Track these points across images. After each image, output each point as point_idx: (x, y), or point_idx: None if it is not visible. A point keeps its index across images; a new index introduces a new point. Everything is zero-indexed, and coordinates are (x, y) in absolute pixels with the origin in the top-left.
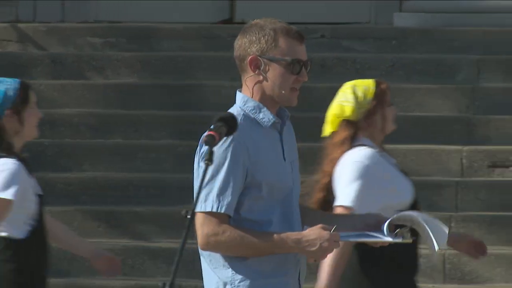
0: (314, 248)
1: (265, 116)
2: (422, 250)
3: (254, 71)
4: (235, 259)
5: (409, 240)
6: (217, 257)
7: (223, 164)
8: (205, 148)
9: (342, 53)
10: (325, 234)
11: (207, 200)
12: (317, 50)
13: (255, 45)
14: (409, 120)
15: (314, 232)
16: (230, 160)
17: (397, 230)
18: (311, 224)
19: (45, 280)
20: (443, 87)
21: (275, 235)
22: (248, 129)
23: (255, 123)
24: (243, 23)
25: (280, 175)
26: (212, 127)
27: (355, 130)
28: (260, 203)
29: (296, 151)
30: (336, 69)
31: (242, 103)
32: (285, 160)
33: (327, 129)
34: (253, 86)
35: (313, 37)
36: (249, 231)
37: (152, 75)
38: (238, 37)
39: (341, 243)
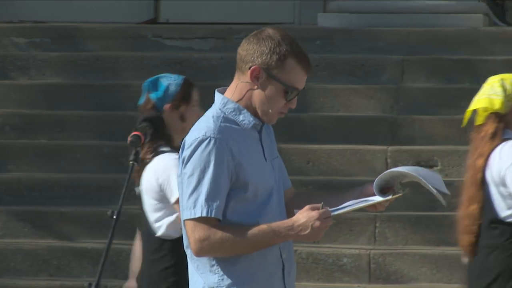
0: (307, 231)
1: (245, 118)
2: (347, 250)
3: (252, 80)
4: (223, 264)
5: (399, 194)
6: (204, 262)
7: (208, 167)
8: (186, 152)
9: None
10: (314, 213)
11: (196, 206)
12: None
13: (263, 57)
14: (334, 120)
15: (303, 215)
16: (215, 163)
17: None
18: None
19: None
20: (367, 88)
21: (266, 227)
22: (229, 130)
23: (235, 124)
24: (167, 23)
25: (263, 175)
26: (137, 127)
27: (504, 123)
28: (244, 205)
29: (275, 149)
30: None
31: (222, 104)
32: (266, 159)
33: (477, 120)
34: (245, 92)
35: (237, 38)
36: (240, 228)
37: (77, 75)
38: (251, 39)
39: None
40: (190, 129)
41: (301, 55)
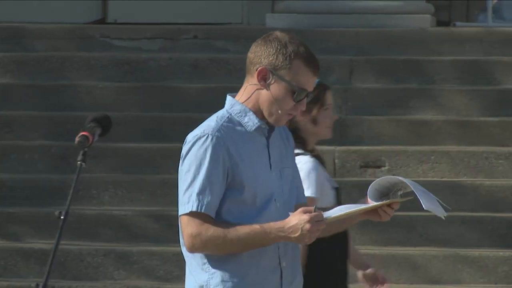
0: (298, 233)
1: (250, 120)
2: None
3: (259, 81)
4: (214, 263)
5: (395, 200)
6: (197, 260)
7: (203, 164)
8: (184, 149)
9: (215, 54)
10: (305, 216)
11: (189, 202)
12: (190, 51)
13: (270, 58)
14: None
15: (295, 218)
16: (210, 160)
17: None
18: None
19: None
20: None
21: (258, 227)
22: (231, 130)
23: (240, 126)
24: (115, 23)
25: (262, 180)
26: (85, 127)
27: None
28: (241, 207)
29: (290, 159)
30: (209, 70)
31: (230, 106)
32: (271, 166)
33: None
34: (252, 93)
35: (186, 38)
36: (233, 226)
37: (25, 76)
38: (259, 41)
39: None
40: (322, 132)
41: (309, 56)
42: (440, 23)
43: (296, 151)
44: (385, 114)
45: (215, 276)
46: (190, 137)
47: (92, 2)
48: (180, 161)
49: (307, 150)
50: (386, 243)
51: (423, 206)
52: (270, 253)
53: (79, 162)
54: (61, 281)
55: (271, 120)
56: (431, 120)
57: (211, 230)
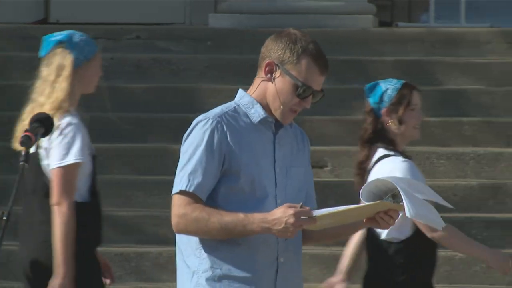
0: (281, 226)
1: (256, 112)
2: None
3: (265, 74)
4: (206, 248)
5: (387, 203)
6: (192, 245)
7: (199, 145)
8: (186, 132)
9: (158, 54)
10: (290, 210)
11: (180, 182)
12: (132, 51)
13: (278, 52)
14: None
15: (280, 210)
16: (207, 142)
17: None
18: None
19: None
20: None
21: (242, 215)
22: (234, 119)
23: (246, 116)
24: (58, 23)
25: (260, 171)
26: (28, 127)
27: None
28: (239, 196)
29: (302, 160)
30: (151, 70)
31: (239, 97)
32: (275, 161)
33: None
34: (261, 88)
35: (128, 38)
36: (219, 212)
37: None
38: (272, 37)
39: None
40: (409, 133)
41: (318, 54)
42: (382, 24)
43: (386, 152)
44: (328, 114)
45: (205, 262)
46: (194, 121)
47: (34, 2)
48: (182, 143)
49: (398, 151)
50: (328, 244)
51: (407, 213)
52: (268, 247)
53: (21, 163)
54: (4, 282)
55: (276, 115)
56: None
57: (197, 212)
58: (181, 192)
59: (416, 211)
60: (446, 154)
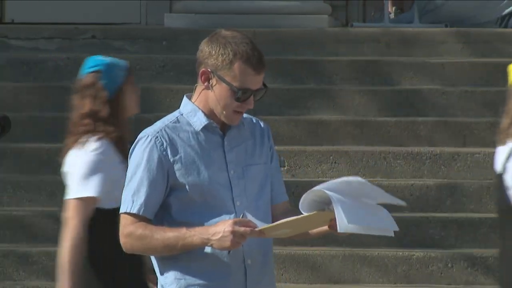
0: (218, 236)
1: (198, 120)
2: None
3: (203, 83)
4: (167, 261)
5: (323, 211)
6: (154, 261)
7: (140, 164)
8: (130, 149)
9: (113, 53)
10: (229, 221)
11: (124, 202)
12: (87, 51)
13: (212, 59)
14: None
15: (221, 223)
16: (147, 161)
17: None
18: None
19: None
20: None
21: (185, 229)
22: (176, 131)
23: (188, 125)
24: (13, 23)
25: (209, 180)
26: None
27: None
28: (191, 206)
29: (260, 156)
30: None
31: (183, 106)
32: (227, 165)
33: None
34: (200, 93)
35: (83, 38)
36: (163, 227)
37: None
38: (206, 41)
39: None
40: None
41: (248, 54)
42: (337, 24)
43: None
44: (283, 114)
45: (169, 275)
46: (137, 137)
47: None
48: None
49: None
50: (285, 243)
51: (338, 229)
52: (232, 250)
53: None
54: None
55: (222, 119)
56: (330, 120)
57: (140, 230)
58: (126, 214)
59: (348, 225)
60: (402, 154)
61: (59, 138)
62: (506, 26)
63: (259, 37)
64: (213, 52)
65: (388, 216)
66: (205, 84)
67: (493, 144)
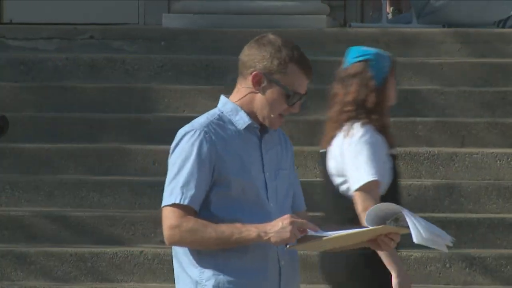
0: (277, 228)
1: (241, 119)
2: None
3: (254, 86)
4: (205, 256)
5: (390, 227)
6: (189, 256)
7: (189, 157)
8: (173, 144)
9: (112, 54)
10: (287, 216)
11: (172, 194)
12: (86, 51)
13: (264, 62)
14: (179, 121)
15: (278, 219)
16: (196, 154)
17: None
18: None
19: None
20: (212, 88)
21: (239, 224)
22: (220, 127)
23: (231, 124)
24: (11, 23)
25: (250, 177)
26: None
27: None
28: (231, 202)
29: (287, 162)
30: (105, 70)
31: (222, 105)
32: (263, 166)
33: None
34: (246, 95)
35: (82, 38)
36: (214, 222)
37: None
38: (252, 45)
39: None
40: None
41: (302, 60)
42: (335, 24)
43: None
44: None
45: (206, 270)
46: (180, 132)
47: None
48: (169, 155)
49: None
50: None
51: (414, 239)
52: (270, 248)
53: None
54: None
55: (265, 122)
56: None
57: (191, 223)
58: (174, 205)
59: (423, 236)
60: (400, 154)
61: (58, 138)
62: (504, 28)
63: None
64: (267, 55)
65: (441, 232)
66: (256, 87)
67: (492, 145)
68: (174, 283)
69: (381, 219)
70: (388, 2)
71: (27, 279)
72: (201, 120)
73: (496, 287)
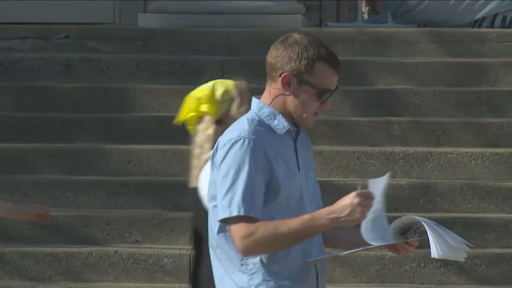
0: (347, 211)
1: (280, 123)
2: (168, 250)
3: (283, 87)
4: (252, 263)
5: (414, 239)
6: (234, 262)
7: (243, 167)
8: (220, 153)
9: (87, 53)
10: (352, 193)
11: (231, 206)
12: (62, 51)
13: (292, 63)
14: (155, 120)
15: (342, 199)
16: (250, 163)
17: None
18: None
19: None
20: (188, 88)
21: (307, 216)
22: (263, 134)
23: (270, 129)
24: None
25: (295, 182)
26: None
27: None
28: (275, 209)
29: (312, 160)
30: (81, 70)
31: (258, 109)
32: (299, 168)
33: None
34: (276, 97)
35: (57, 38)
36: (280, 220)
37: None
38: (278, 46)
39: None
40: None
41: (330, 56)
42: (311, 24)
43: None
44: None
45: (256, 276)
46: (225, 141)
47: None
48: (215, 166)
49: None
50: None
51: (432, 254)
52: (307, 252)
53: None
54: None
55: (299, 122)
56: None
57: (261, 228)
58: (238, 217)
59: (441, 251)
60: (375, 154)
61: (33, 138)
62: (479, 28)
63: (233, 37)
64: (294, 56)
65: (460, 243)
66: (286, 88)
67: (467, 144)
68: (149, 283)
69: (402, 231)
70: (363, 2)
71: (2, 279)
72: (245, 126)
73: (470, 287)
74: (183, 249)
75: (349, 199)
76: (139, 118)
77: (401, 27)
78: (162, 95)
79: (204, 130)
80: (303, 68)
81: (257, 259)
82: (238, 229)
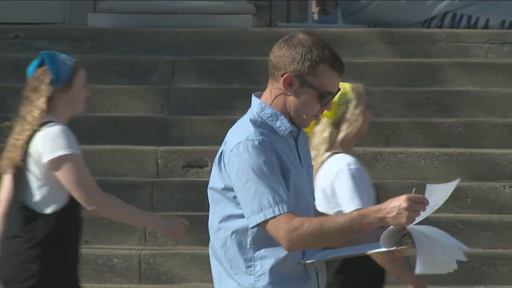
0: (394, 213)
1: (282, 125)
2: (118, 250)
3: (285, 87)
4: (260, 265)
5: (403, 246)
6: (238, 263)
7: (261, 168)
8: (233, 159)
9: (36, 53)
10: (403, 196)
11: (265, 207)
12: (10, 51)
13: (295, 64)
14: (105, 120)
15: (393, 200)
16: (266, 163)
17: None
18: None
19: None
20: (138, 88)
21: (354, 213)
22: (268, 134)
23: (272, 130)
24: None
25: (302, 179)
26: None
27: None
28: None
29: (310, 157)
30: None
31: (259, 109)
32: (302, 166)
33: None
34: (277, 97)
35: (6, 38)
36: (325, 217)
37: None
38: (282, 45)
39: None
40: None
41: (333, 59)
42: (261, 24)
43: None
44: (208, 114)
45: (262, 278)
46: (233, 145)
47: None
48: (224, 170)
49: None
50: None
51: (416, 271)
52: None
53: None
54: None
55: (298, 123)
56: None
57: (306, 223)
58: (277, 217)
59: (424, 268)
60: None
61: None
62: (429, 28)
63: (183, 37)
64: (297, 57)
65: (457, 251)
66: (287, 89)
67: (416, 144)
68: (98, 283)
69: (396, 237)
70: (314, 3)
71: None
72: (250, 128)
73: None
74: (133, 249)
75: (398, 201)
76: (89, 118)
77: (351, 27)
78: (112, 95)
79: (320, 132)
80: (306, 69)
81: (265, 261)
82: (280, 226)
